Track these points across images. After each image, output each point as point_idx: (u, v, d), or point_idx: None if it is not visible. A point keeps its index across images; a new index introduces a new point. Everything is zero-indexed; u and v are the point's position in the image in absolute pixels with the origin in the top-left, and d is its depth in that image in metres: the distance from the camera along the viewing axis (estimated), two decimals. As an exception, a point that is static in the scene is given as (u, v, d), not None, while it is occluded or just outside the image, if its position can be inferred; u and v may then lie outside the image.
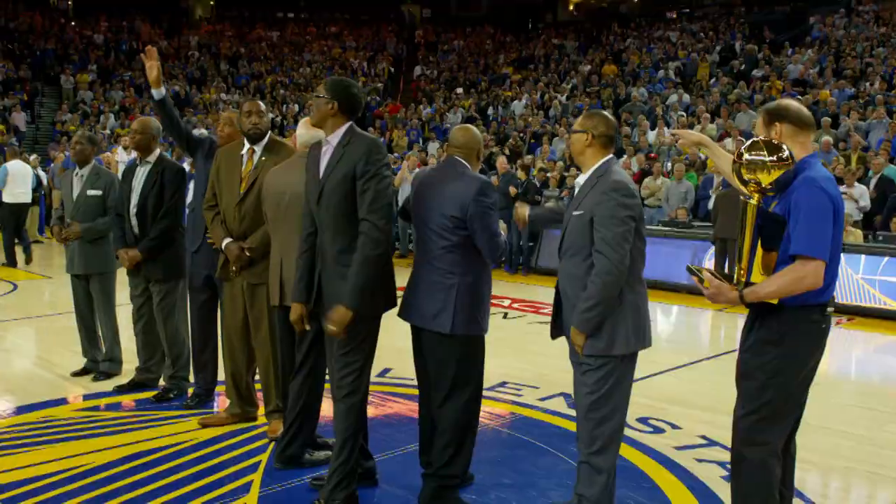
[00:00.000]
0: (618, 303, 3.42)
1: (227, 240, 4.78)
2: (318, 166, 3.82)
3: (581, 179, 3.60)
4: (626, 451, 4.71)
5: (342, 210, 3.71)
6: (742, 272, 3.14)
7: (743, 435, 3.23)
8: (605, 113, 3.69)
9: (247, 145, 4.84)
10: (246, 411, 5.13)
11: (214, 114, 23.39)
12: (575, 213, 3.53)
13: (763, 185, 3.07)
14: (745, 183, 3.11)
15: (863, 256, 9.58)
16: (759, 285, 3.08)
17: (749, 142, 3.16)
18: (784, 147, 3.09)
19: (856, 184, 11.76)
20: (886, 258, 9.38)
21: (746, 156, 3.11)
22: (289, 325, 4.14)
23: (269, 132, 4.92)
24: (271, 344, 4.77)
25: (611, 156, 3.60)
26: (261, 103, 4.89)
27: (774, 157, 3.05)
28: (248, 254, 4.71)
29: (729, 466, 3.50)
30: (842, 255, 10.40)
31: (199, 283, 5.39)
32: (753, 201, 3.08)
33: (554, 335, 3.76)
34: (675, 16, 29.19)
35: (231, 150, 4.93)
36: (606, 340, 3.44)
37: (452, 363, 3.82)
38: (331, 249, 3.78)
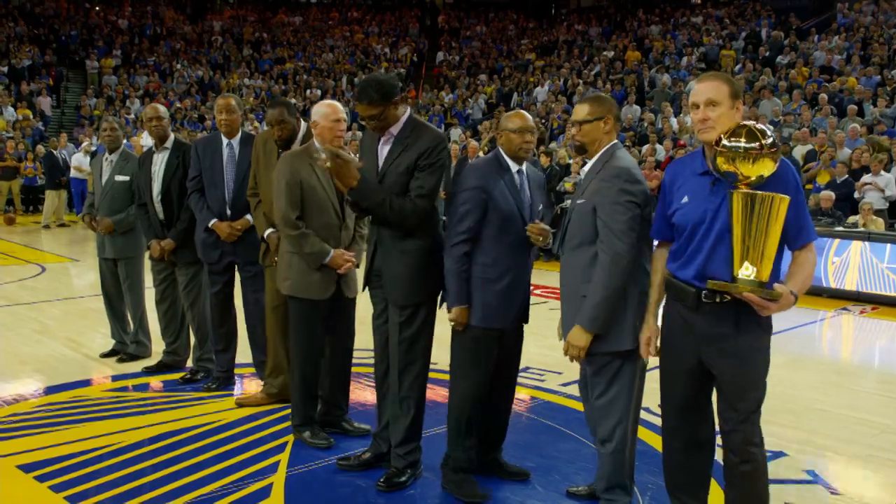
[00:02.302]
0: (621, 295, 3.34)
1: (270, 230, 4.87)
2: (375, 154, 3.93)
3: (587, 167, 3.53)
4: (646, 435, 4.74)
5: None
6: (760, 269, 2.79)
7: (749, 436, 3.05)
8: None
9: None
10: (283, 392, 5.16)
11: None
12: (578, 201, 3.47)
13: (755, 177, 2.77)
14: (729, 176, 2.83)
15: (888, 245, 9.49)
16: (796, 282, 2.89)
17: (734, 126, 2.85)
18: (769, 132, 2.82)
19: (882, 172, 11.66)
20: (912, 247, 9.32)
21: (726, 142, 2.82)
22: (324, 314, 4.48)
23: (304, 125, 4.94)
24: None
25: (616, 141, 3.54)
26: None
27: (757, 145, 2.76)
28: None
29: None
30: (867, 243, 10.26)
31: (219, 268, 5.46)
32: (742, 192, 2.76)
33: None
34: (700, 1, 28.90)
35: (268, 140, 4.95)
36: (612, 336, 3.38)
37: (454, 352, 3.92)
38: (389, 233, 3.91)
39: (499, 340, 3.89)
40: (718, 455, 3.25)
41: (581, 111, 3.52)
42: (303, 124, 4.94)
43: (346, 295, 4.51)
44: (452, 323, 3.83)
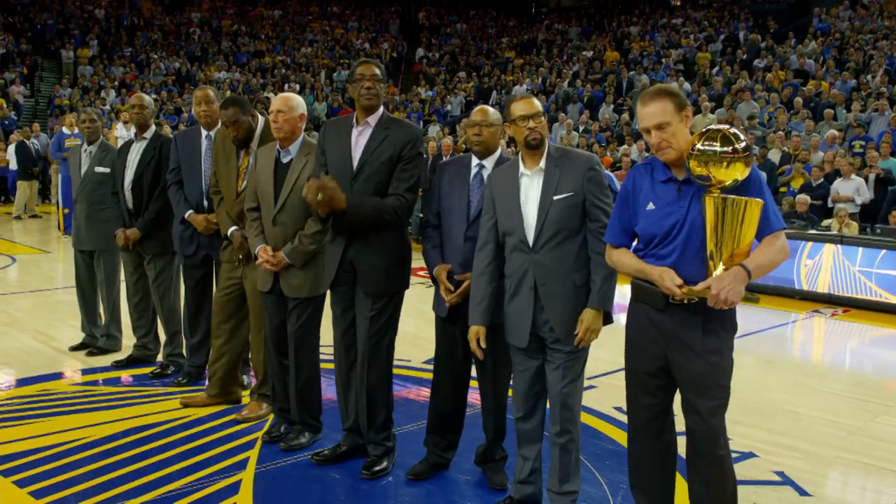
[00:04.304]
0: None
1: (233, 228, 4.82)
2: (349, 145, 3.94)
3: (543, 162, 3.50)
4: (621, 436, 4.76)
5: (383, 189, 3.92)
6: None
7: (718, 434, 3.06)
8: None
9: None
10: (227, 392, 5.11)
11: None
12: (557, 196, 3.44)
13: (729, 181, 2.81)
14: (702, 179, 2.84)
15: (860, 249, 9.59)
16: (751, 259, 2.86)
17: (706, 130, 2.88)
18: (742, 136, 2.85)
19: (853, 176, 11.76)
20: (884, 251, 9.39)
21: (699, 146, 2.83)
22: (274, 309, 4.45)
23: (262, 119, 4.87)
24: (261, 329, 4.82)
25: None
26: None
27: (730, 149, 2.80)
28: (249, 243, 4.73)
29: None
30: (839, 246, 10.32)
31: (195, 262, 5.40)
32: (714, 196, 2.81)
33: (533, 345, 3.54)
34: (679, 3, 29.05)
35: (228, 140, 4.86)
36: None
37: None
38: (367, 226, 3.92)
39: (455, 330, 3.92)
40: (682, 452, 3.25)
41: (535, 104, 3.54)
42: (260, 120, 4.87)
43: (285, 292, 4.35)
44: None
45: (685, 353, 3.04)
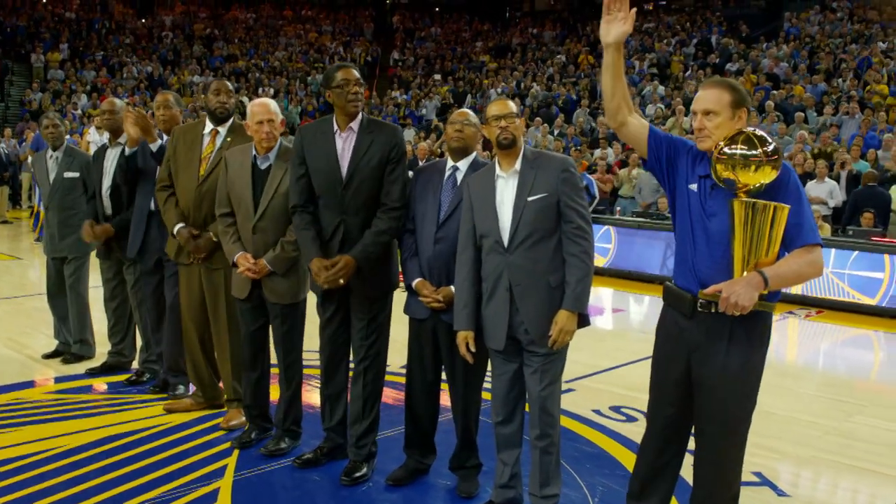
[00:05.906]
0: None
1: (179, 225, 4.70)
2: (334, 153, 3.92)
3: (518, 165, 3.53)
4: (599, 439, 4.78)
5: (375, 194, 3.91)
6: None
7: (739, 452, 3.01)
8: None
9: (209, 126, 4.74)
10: (210, 397, 5.08)
11: (188, 96, 23.15)
12: (531, 198, 3.45)
13: (754, 185, 2.73)
14: (728, 183, 2.77)
15: (833, 250, 9.69)
16: (773, 267, 2.75)
17: (733, 133, 2.80)
18: (769, 139, 2.76)
19: (826, 179, 11.88)
20: (856, 252, 9.51)
21: (725, 149, 2.75)
22: (251, 316, 4.40)
23: (234, 115, 4.85)
24: (228, 332, 4.74)
25: None
26: (228, 83, 4.85)
27: (758, 152, 2.70)
28: (196, 240, 4.66)
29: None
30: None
31: (148, 267, 5.34)
32: (741, 200, 2.73)
33: (511, 348, 3.57)
34: (652, 7, 29.25)
35: (190, 130, 4.82)
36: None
37: None
38: (357, 228, 3.92)
39: (426, 332, 3.91)
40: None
41: (508, 105, 3.58)
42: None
43: (268, 299, 4.32)
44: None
45: (706, 365, 2.94)
